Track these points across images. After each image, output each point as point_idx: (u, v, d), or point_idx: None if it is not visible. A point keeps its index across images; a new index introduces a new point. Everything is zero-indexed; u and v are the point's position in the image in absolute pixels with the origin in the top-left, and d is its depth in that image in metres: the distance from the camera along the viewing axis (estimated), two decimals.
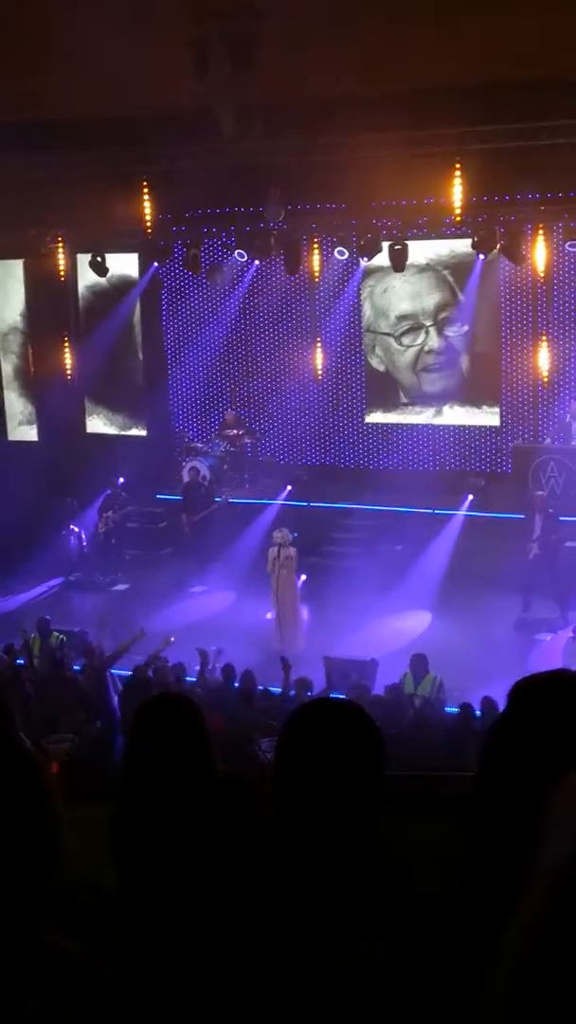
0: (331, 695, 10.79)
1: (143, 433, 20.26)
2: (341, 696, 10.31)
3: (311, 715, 2.36)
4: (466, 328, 18.41)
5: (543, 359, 17.62)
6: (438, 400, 18.76)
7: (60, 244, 19.63)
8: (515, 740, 1.72)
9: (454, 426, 18.60)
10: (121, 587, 17.67)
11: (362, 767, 2.22)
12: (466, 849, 1.77)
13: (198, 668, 12.26)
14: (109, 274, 19.06)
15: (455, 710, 11.33)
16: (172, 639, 12.02)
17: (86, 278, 19.68)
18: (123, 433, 20.28)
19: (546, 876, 0.98)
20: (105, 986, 1.54)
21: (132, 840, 3.10)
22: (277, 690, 11.71)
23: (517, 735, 1.73)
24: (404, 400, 19.02)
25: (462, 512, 16.84)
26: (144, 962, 1.92)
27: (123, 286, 19.86)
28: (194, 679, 12.17)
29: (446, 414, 18.70)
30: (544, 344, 17.61)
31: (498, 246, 16.74)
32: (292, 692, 11.47)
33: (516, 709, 1.79)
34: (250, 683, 11.77)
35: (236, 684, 11.83)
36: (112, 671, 11.95)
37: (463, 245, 17.43)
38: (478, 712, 10.53)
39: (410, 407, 18.95)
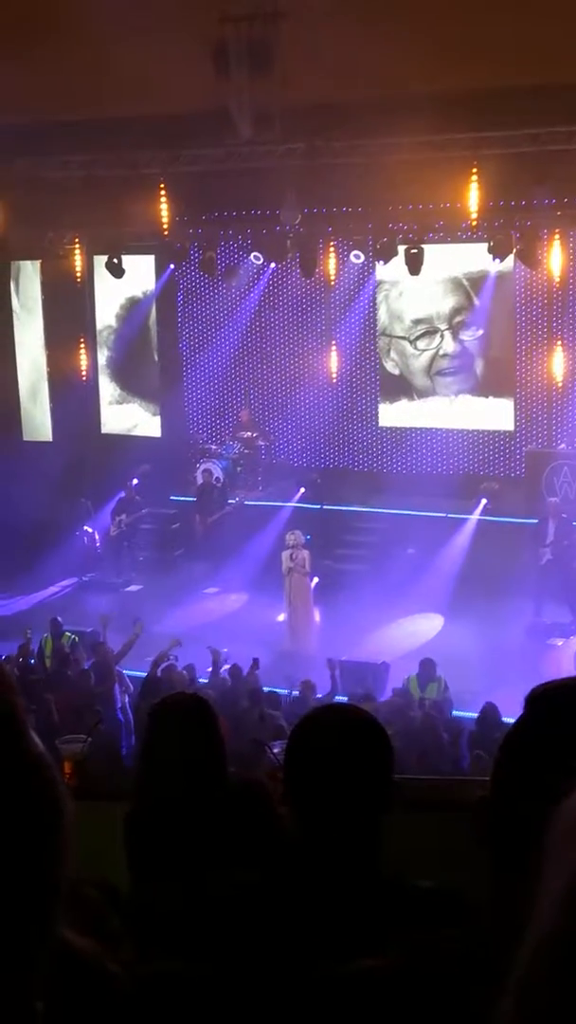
0: (336, 698, 10.83)
1: (157, 434, 20.29)
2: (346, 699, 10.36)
3: (320, 719, 2.37)
4: (481, 332, 18.38)
5: (558, 363, 17.58)
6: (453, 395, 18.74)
7: (77, 246, 19.67)
8: (531, 747, 1.73)
9: (468, 430, 18.55)
10: (134, 588, 17.70)
11: (371, 771, 2.23)
12: (481, 854, 1.78)
13: (210, 668, 12.28)
14: (125, 275, 19.08)
15: (461, 714, 11.34)
16: (180, 641, 12.03)
17: (103, 280, 19.70)
18: (138, 434, 20.30)
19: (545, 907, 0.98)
20: (116, 986, 1.56)
21: (146, 840, 3.12)
22: (283, 691, 11.75)
23: (533, 742, 1.74)
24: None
25: (475, 516, 16.81)
26: (154, 963, 1.94)
27: (139, 288, 19.89)
28: (206, 679, 12.18)
29: (460, 404, 18.60)
30: (559, 348, 17.57)
31: (514, 251, 16.74)
32: (295, 693, 11.51)
33: (532, 716, 1.80)
34: (259, 685, 11.80)
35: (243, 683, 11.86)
36: (123, 671, 11.98)
37: (479, 250, 17.41)
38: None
39: (424, 399, 18.88)
